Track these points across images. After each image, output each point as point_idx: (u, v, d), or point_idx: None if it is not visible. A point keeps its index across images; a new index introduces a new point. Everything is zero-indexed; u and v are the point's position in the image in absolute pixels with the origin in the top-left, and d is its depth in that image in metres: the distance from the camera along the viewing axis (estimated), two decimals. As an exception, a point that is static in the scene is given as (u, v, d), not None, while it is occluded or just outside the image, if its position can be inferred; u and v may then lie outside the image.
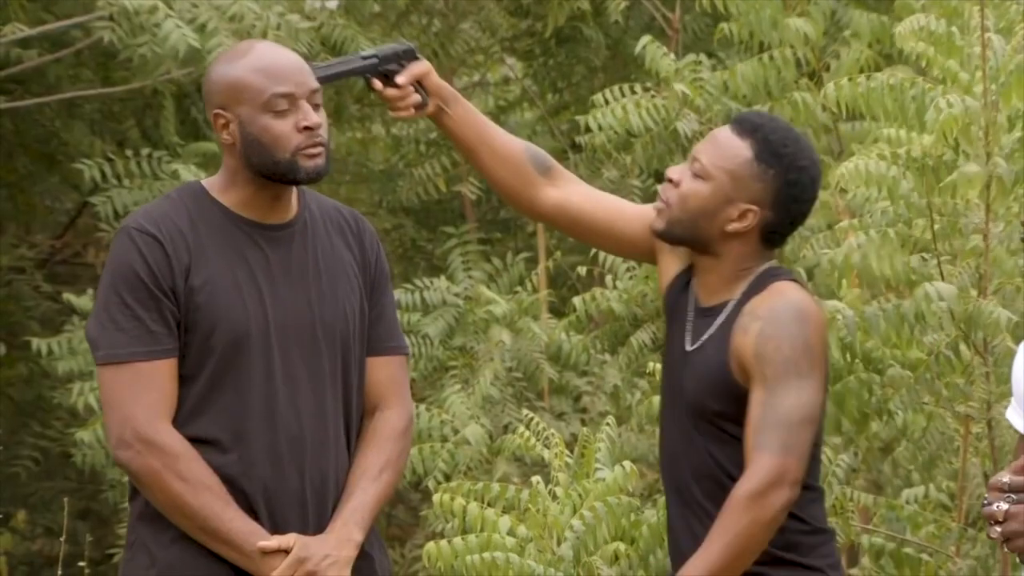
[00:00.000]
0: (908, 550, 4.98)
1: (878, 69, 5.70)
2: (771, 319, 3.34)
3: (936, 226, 4.78)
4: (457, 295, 7.06)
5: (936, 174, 4.74)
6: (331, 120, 8.55)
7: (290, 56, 3.37)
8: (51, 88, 7.73)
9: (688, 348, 3.43)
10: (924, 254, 4.93)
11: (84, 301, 6.98)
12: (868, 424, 5.00)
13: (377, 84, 3.57)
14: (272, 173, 3.33)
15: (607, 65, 8.56)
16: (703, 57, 6.69)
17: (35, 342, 7.01)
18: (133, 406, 3.27)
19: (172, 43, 6.60)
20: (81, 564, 5.92)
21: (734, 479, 3.34)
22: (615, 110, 6.34)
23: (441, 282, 7.09)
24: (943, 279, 4.79)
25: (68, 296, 7.08)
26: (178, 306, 3.29)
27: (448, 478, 6.05)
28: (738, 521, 3.28)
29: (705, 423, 3.39)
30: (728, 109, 6.56)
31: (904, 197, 4.78)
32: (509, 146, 3.62)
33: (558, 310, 7.75)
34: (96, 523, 8.43)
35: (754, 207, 3.40)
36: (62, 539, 5.50)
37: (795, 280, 3.44)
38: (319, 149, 3.32)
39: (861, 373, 4.89)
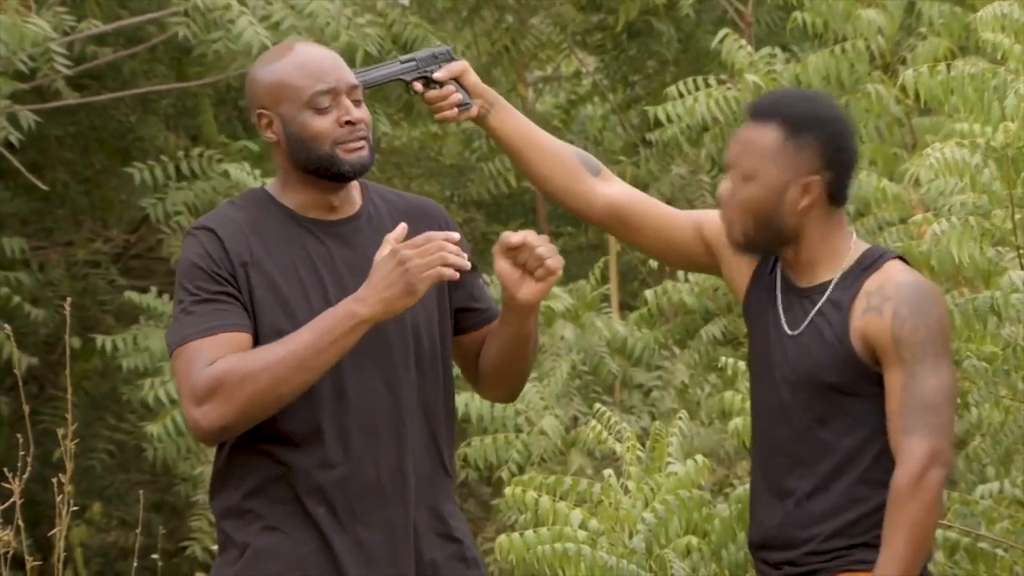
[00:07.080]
0: (983, 545, 4.93)
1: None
2: (904, 300, 3.36)
3: (1017, 217, 4.73)
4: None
5: (1015, 164, 4.68)
6: (402, 115, 8.62)
7: (329, 54, 3.41)
8: (126, 84, 7.79)
9: (790, 332, 3.44)
10: (999, 247, 4.88)
11: (148, 299, 7.02)
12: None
13: (418, 87, 3.60)
14: (316, 168, 3.35)
15: (679, 59, 8.54)
16: (777, 51, 6.68)
17: (99, 339, 7.05)
18: (191, 375, 3.25)
19: (245, 40, 6.64)
20: (154, 556, 5.96)
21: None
22: (686, 102, 6.33)
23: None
24: (1022, 271, 4.74)
25: (129, 294, 7.10)
26: (240, 292, 3.30)
27: (522, 469, 6.05)
28: (908, 511, 3.32)
29: (816, 397, 3.39)
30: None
31: (986, 187, 4.73)
32: (558, 147, 3.66)
33: (629, 304, 7.74)
34: (169, 515, 8.48)
35: (813, 176, 3.41)
36: (138, 531, 5.52)
37: (900, 258, 3.46)
38: (360, 143, 3.35)
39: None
